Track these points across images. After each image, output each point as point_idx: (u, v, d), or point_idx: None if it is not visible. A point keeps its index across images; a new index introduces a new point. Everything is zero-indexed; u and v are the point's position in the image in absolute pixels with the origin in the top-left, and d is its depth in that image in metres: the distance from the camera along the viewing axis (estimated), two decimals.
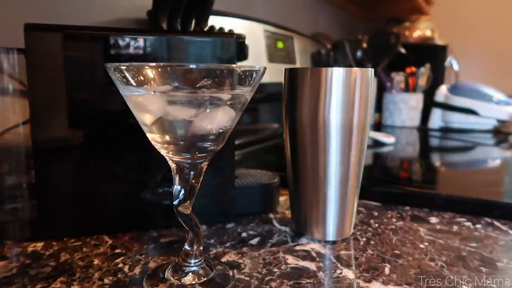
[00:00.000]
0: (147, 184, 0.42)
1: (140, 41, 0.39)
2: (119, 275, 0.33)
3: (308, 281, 0.32)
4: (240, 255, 0.37)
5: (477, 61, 2.01)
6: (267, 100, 0.83)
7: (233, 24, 0.73)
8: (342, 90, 0.37)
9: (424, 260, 0.36)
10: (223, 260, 0.36)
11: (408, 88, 1.32)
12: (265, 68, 0.30)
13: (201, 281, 0.32)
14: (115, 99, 0.35)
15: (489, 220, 0.46)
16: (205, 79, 0.26)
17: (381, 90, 1.34)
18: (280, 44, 0.93)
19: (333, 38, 1.31)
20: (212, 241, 0.40)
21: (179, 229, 0.42)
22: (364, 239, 0.41)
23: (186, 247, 0.32)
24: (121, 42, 0.38)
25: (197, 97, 0.28)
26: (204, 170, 0.32)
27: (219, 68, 0.27)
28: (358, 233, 0.42)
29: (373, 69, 0.40)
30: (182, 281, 0.31)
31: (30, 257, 0.36)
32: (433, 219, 0.47)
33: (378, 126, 1.31)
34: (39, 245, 0.38)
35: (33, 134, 0.37)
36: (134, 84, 0.27)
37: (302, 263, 0.35)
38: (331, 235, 0.40)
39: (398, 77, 1.31)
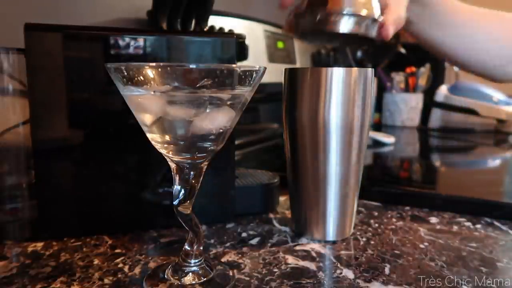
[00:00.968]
0: (147, 184, 0.42)
1: (140, 41, 0.39)
2: (119, 275, 0.33)
3: (308, 281, 0.32)
4: (240, 255, 0.37)
5: None
6: (267, 100, 0.83)
7: (233, 24, 0.74)
8: (342, 90, 0.37)
9: (424, 260, 0.36)
10: (223, 260, 0.36)
11: (408, 88, 1.32)
12: (265, 68, 0.30)
13: (201, 281, 0.32)
14: (115, 99, 0.35)
15: (489, 220, 0.46)
16: (205, 79, 0.27)
17: (381, 90, 1.34)
18: (280, 44, 0.93)
19: None
20: (212, 241, 0.40)
21: (179, 229, 0.42)
22: (364, 239, 0.41)
23: (186, 247, 0.32)
24: (121, 42, 0.38)
25: (197, 97, 0.28)
26: (204, 170, 0.32)
27: (219, 68, 0.27)
28: (358, 233, 0.42)
29: (373, 69, 0.40)
30: (182, 281, 0.31)
31: (30, 257, 0.36)
32: (433, 219, 0.47)
33: (378, 126, 1.30)
34: (39, 245, 0.38)
35: (33, 134, 0.37)
36: (134, 84, 0.27)
37: (302, 263, 0.35)
38: (331, 235, 0.40)
39: (398, 77, 1.31)
